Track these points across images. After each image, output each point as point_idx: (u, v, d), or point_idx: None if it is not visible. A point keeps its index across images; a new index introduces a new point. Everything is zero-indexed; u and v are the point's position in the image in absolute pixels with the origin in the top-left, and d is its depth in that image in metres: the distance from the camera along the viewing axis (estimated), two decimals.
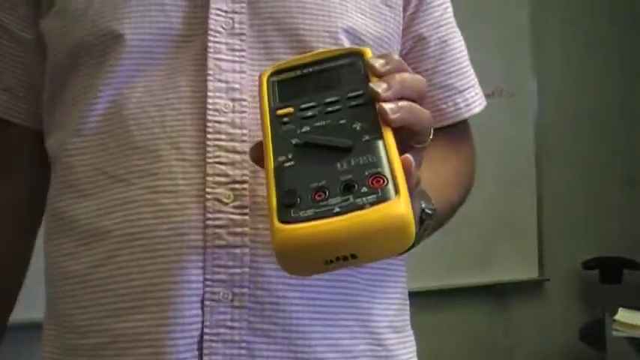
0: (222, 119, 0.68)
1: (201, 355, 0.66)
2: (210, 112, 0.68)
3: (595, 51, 3.16)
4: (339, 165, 0.52)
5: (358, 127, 0.54)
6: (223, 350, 0.66)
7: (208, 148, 0.67)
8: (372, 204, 0.49)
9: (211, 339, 0.66)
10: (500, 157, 2.77)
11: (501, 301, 2.99)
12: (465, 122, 0.86)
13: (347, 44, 0.72)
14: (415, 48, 0.81)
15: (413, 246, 0.68)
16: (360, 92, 0.56)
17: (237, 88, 0.69)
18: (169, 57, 0.70)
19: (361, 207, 0.49)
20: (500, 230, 2.84)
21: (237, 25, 0.70)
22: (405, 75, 0.57)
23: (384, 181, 0.50)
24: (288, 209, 0.50)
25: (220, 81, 0.69)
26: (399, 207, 0.49)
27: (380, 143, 0.53)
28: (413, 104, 0.56)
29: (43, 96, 0.77)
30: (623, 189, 3.20)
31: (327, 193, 0.50)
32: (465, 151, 0.87)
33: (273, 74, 0.61)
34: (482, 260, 2.84)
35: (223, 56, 0.69)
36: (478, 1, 2.70)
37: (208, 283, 0.66)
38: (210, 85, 0.68)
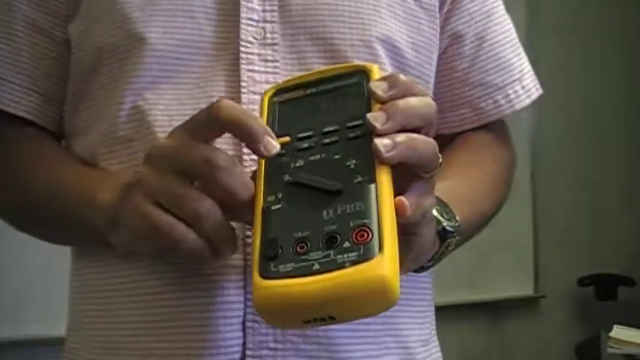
0: None
1: None
2: None
3: (593, 66, 3.17)
4: (325, 213, 0.49)
5: (352, 165, 0.51)
6: None
7: (245, 163, 0.65)
8: (353, 263, 0.46)
9: None
10: None
11: (497, 318, 2.98)
12: (502, 123, 0.83)
13: (382, 52, 0.70)
14: (451, 47, 0.78)
15: (433, 264, 0.66)
16: (359, 122, 0.53)
17: None
18: (199, 65, 0.68)
19: (341, 266, 0.46)
20: (495, 247, 2.84)
21: (269, 35, 0.68)
22: (411, 100, 0.53)
23: (368, 235, 0.47)
24: (269, 262, 0.48)
25: (254, 93, 0.66)
26: (381, 268, 0.46)
27: (372, 187, 0.49)
28: (413, 137, 0.52)
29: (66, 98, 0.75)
30: (618, 206, 3.21)
31: (308, 245, 0.48)
32: (502, 154, 0.83)
33: (276, 94, 0.58)
34: (478, 277, 2.83)
35: (256, 67, 0.67)
36: None
37: (250, 303, 0.63)
38: (244, 97, 0.66)
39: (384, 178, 0.50)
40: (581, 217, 3.14)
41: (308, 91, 0.57)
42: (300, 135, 0.54)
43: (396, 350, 0.69)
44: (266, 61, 0.68)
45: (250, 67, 0.67)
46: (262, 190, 0.52)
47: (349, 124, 0.53)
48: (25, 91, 0.75)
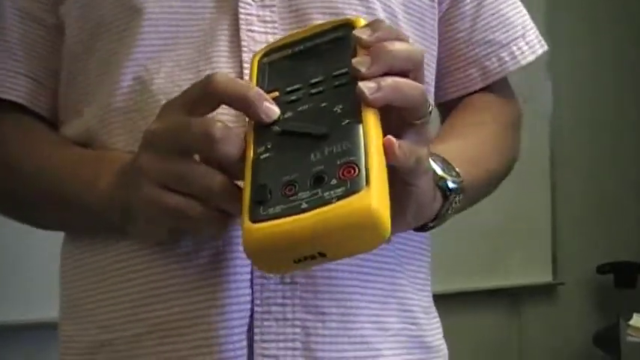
0: None
1: (252, 337, 0.63)
2: None
3: (612, 56, 3.14)
4: (312, 155, 0.49)
5: (339, 110, 0.51)
6: (276, 329, 0.63)
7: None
8: (340, 197, 0.46)
9: (263, 317, 0.63)
10: None
11: (514, 305, 2.97)
12: (503, 81, 0.83)
13: (379, 8, 0.70)
14: (452, 7, 0.78)
15: (438, 223, 0.65)
16: (345, 70, 0.54)
17: None
18: (198, 30, 0.68)
19: (328, 202, 0.46)
20: (513, 234, 2.83)
21: None
22: (397, 44, 0.53)
23: (354, 171, 0.47)
24: (258, 206, 0.48)
25: (254, 52, 0.67)
26: (367, 200, 0.46)
27: (359, 127, 0.50)
28: (399, 80, 0.53)
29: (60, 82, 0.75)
30: (638, 193, 3.18)
31: (296, 186, 0.48)
32: (505, 114, 0.82)
33: (265, 55, 0.59)
34: (496, 264, 2.82)
35: (255, 28, 0.68)
36: None
37: None
38: (245, 56, 0.66)
39: (371, 119, 0.50)
40: (600, 204, 3.11)
41: (296, 49, 0.58)
42: (288, 89, 0.55)
43: (400, 313, 0.69)
44: (265, 22, 0.68)
45: (250, 28, 0.67)
46: (252, 142, 0.53)
47: (335, 73, 0.54)
48: (15, 75, 0.75)
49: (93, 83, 0.71)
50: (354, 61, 0.53)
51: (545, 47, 0.83)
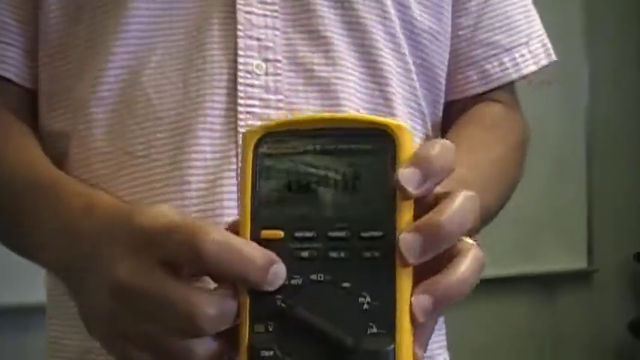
0: (255, 82, 0.61)
1: None
2: (241, 74, 0.61)
3: None
4: None
5: (366, 305, 0.40)
6: None
7: (240, 116, 0.60)
8: None
9: None
10: (550, 146, 2.72)
11: (548, 291, 2.95)
12: (513, 95, 0.78)
13: (389, 2, 0.65)
14: (457, 2, 0.73)
15: None
16: (380, 233, 0.41)
17: (271, 46, 0.62)
18: (190, 12, 0.62)
19: None
20: (548, 219, 2.80)
21: None
22: (451, 213, 0.42)
23: None
24: None
25: (251, 38, 0.62)
26: None
27: (390, 349, 0.39)
28: (452, 294, 0.42)
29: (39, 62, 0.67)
30: None
31: None
32: (512, 133, 0.76)
33: (263, 140, 0.44)
34: (530, 250, 2.80)
35: (254, 9, 0.62)
36: None
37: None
38: (241, 42, 0.61)
39: (405, 335, 0.40)
40: (637, 190, 3.07)
41: (308, 148, 0.43)
42: (297, 234, 0.42)
43: None
44: (264, 3, 0.63)
45: (248, 9, 0.62)
46: (248, 316, 0.42)
47: (364, 234, 0.41)
48: (4, 47, 0.68)
49: (79, 68, 0.65)
50: (401, 246, 0.40)
51: (553, 58, 0.77)
